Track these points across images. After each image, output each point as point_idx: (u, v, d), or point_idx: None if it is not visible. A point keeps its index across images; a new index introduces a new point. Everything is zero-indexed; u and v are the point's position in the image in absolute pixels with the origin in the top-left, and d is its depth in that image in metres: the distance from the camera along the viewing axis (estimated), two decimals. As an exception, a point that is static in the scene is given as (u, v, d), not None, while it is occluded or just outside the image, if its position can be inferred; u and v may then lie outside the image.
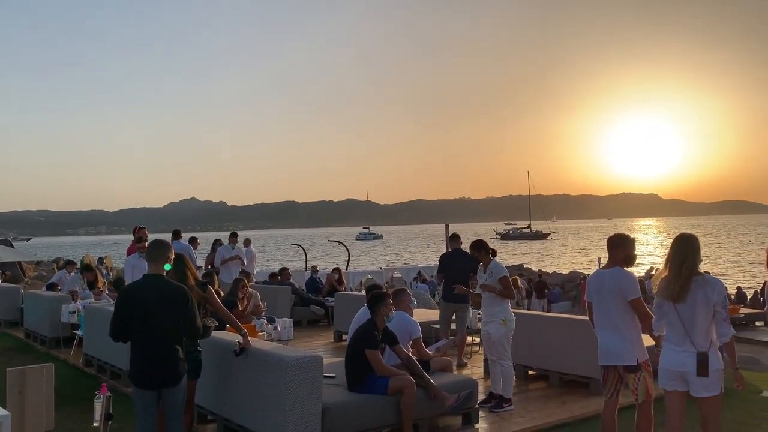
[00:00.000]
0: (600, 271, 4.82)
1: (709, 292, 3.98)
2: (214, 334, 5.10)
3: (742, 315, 13.69)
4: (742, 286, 26.23)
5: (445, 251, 9.12)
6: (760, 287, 20.97)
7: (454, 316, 8.61)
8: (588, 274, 28.85)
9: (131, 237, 10.50)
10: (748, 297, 22.15)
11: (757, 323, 12.97)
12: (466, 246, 7.66)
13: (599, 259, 39.48)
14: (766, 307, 13.02)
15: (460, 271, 8.35)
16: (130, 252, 10.25)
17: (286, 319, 8.11)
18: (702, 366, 3.91)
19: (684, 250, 4.09)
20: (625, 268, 4.70)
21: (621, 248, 4.72)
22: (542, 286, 25.58)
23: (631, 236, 4.94)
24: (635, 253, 4.80)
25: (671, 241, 4.25)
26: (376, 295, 5.68)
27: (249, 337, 5.21)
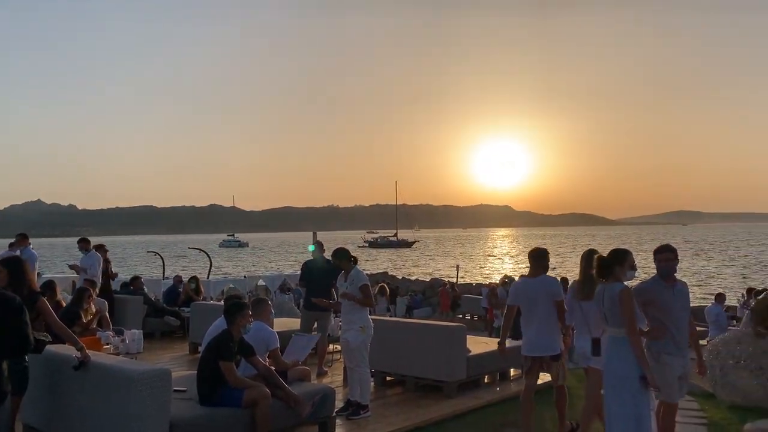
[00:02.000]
0: (526, 279, 5.90)
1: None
2: (49, 346, 4.68)
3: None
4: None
5: (308, 259, 9.05)
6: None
7: (315, 325, 8.58)
8: (447, 281, 30.13)
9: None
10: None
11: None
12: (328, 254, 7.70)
13: (457, 266, 41.34)
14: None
15: (323, 278, 8.37)
16: (-45, 259, 9.19)
17: (135, 330, 7.64)
18: (596, 347, 5.30)
19: (591, 261, 5.26)
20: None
21: (544, 259, 5.89)
22: (384, 291, 26.28)
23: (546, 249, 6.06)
24: (549, 263, 5.99)
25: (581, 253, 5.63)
26: (234, 305, 5.51)
27: (93, 351, 4.84)
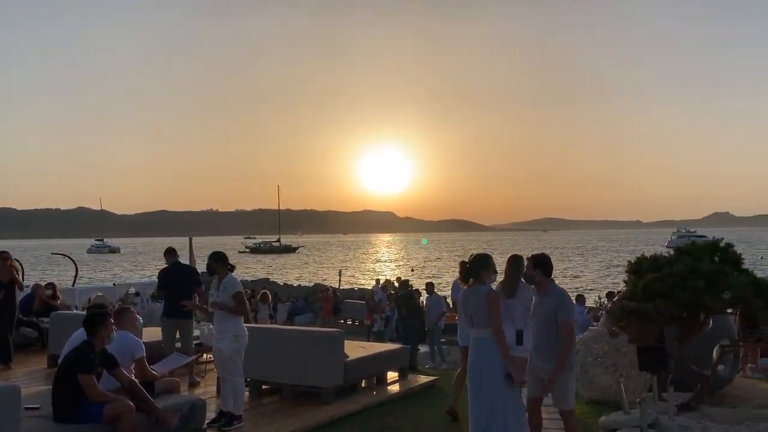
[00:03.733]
0: (458, 281, 6.38)
1: (525, 293, 5.90)
2: None
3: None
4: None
5: (164, 266, 8.80)
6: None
7: (177, 333, 8.36)
8: (329, 286, 30.22)
9: None
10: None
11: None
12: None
13: (340, 271, 41.50)
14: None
15: (184, 284, 8.25)
16: None
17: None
18: (518, 338, 5.93)
19: (516, 265, 6.03)
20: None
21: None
22: (266, 298, 26.02)
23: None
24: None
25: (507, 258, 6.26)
26: (95, 315, 5.18)
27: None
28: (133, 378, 5.32)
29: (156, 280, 9.21)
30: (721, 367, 6.83)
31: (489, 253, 5.25)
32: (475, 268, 5.07)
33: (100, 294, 19.64)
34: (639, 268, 6.36)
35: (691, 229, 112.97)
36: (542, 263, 5.19)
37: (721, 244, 6.25)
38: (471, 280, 5.08)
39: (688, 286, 5.71)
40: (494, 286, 5.54)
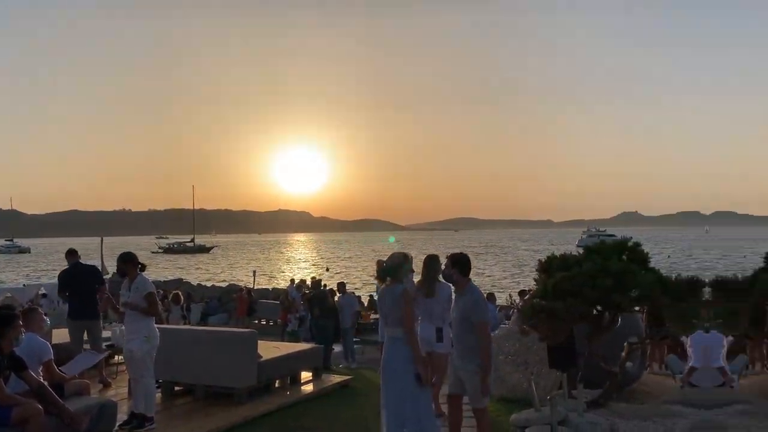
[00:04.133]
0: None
1: (443, 291, 6.30)
2: None
3: (372, 321, 15.70)
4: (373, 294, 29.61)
5: (65, 268, 8.55)
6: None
7: (86, 335, 8.05)
8: (243, 286, 29.60)
9: None
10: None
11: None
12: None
13: (254, 271, 40.66)
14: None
15: (85, 285, 8.10)
16: None
17: None
18: (438, 335, 6.34)
19: (432, 265, 6.28)
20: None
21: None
22: (178, 299, 25.34)
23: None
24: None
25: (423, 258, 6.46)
26: (1, 317, 4.93)
27: None
28: (42, 380, 5.08)
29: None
30: (629, 364, 7.00)
31: (407, 252, 5.27)
32: (392, 267, 5.07)
33: (9, 295, 18.57)
34: (549, 267, 6.47)
35: (601, 229, 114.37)
36: (459, 262, 5.18)
37: (629, 244, 6.42)
38: (388, 279, 5.08)
39: (597, 284, 5.83)
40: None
